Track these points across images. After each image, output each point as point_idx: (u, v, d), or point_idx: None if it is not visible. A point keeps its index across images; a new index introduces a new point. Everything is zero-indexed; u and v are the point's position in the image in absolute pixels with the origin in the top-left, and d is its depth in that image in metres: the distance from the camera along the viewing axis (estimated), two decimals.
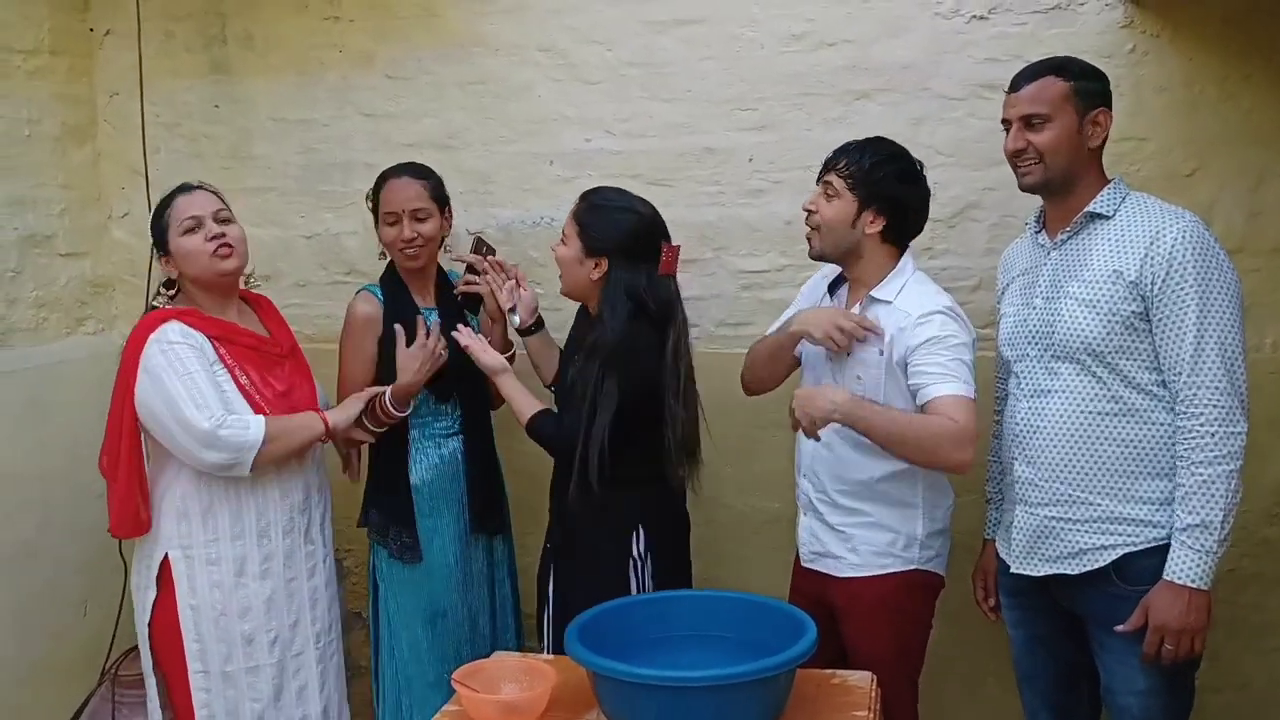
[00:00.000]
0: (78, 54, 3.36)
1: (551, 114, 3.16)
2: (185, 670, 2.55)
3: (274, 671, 2.59)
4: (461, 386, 2.82)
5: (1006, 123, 2.31)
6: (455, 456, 2.86)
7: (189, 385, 2.43)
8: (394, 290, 2.85)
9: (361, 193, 3.26)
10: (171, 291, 2.60)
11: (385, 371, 2.77)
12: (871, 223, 2.42)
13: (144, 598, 2.57)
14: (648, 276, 2.56)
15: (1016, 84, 2.29)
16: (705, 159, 3.07)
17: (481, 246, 2.90)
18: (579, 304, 2.73)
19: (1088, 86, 2.26)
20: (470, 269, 2.88)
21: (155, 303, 2.61)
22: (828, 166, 2.46)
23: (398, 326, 2.74)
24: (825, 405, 2.31)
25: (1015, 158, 2.29)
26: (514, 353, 2.91)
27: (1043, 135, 2.24)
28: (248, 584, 2.55)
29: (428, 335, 2.71)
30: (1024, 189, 2.33)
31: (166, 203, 2.59)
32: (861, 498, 2.45)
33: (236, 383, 2.51)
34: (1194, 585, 2.13)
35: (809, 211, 2.46)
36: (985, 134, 2.85)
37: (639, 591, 2.56)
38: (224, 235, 2.53)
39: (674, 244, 2.62)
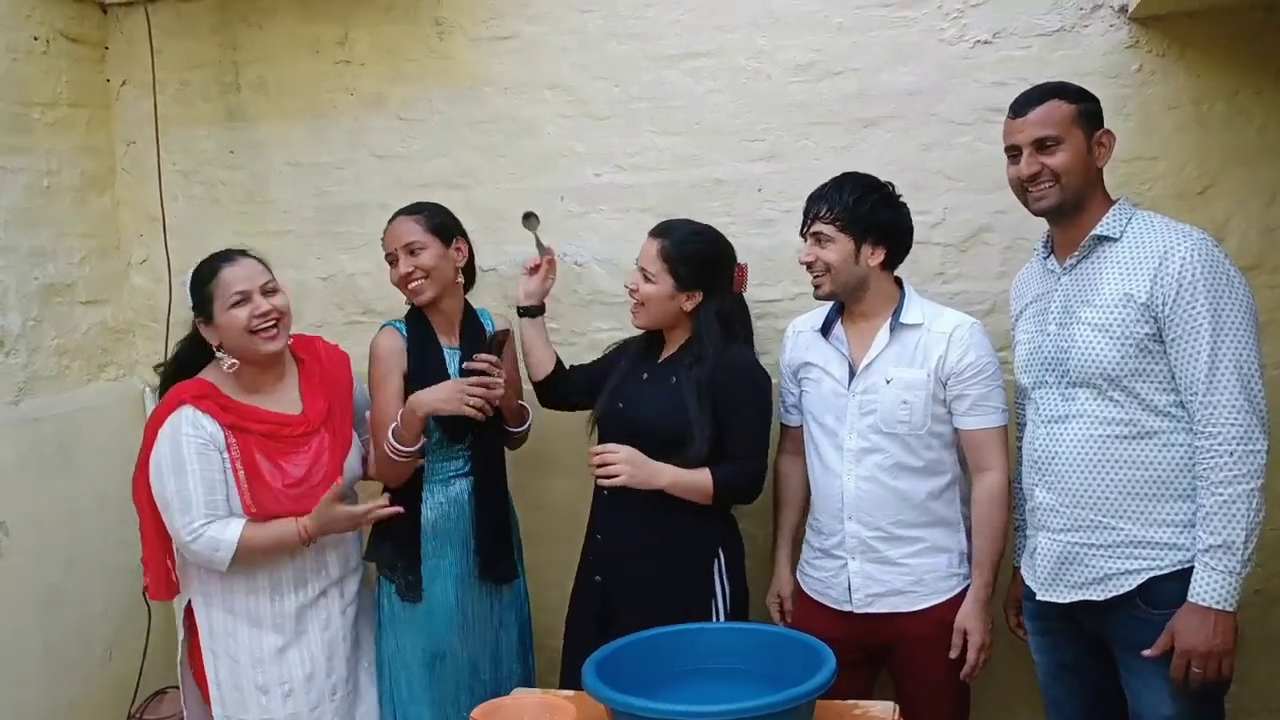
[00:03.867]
0: (96, 105, 3.42)
1: (561, 150, 3.18)
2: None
3: None
4: (476, 428, 2.77)
5: (1014, 149, 2.30)
6: (463, 498, 2.81)
7: (180, 486, 2.48)
8: (418, 328, 2.82)
9: (375, 234, 3.28)
10: (221, 353, 2.56)
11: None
12: (873, 254, 2.48)
13: (181, 639, 2.66)
14: (729, 299, 2.67)
15: (1021, 109, 2.29)
16: (715, 190, 3.09)
17: (493, 343, 2.77)
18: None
19: (1089, 108, 2.28)
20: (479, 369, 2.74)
21: (226, 363, 2.57)
22: (811, 218, 2.51)
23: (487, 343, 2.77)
24: (981, 616, 2.48)
25: (1030, 182, 2.27)
26: (529, 419, 2.95)
27: (1057, 157, 2.24)
28: (261, 636, 2.58)
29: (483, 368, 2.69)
30: (1039, 213, 2.32)
31: (213, 271, 2.55)
32: (917, 524, 2.49)
33: (235, 475, 2.51)
34: (1219, 607, 2.10)
35: (809, 264, 2.51)
36: (994, 158, 2.83)
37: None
38: (270, 311, 2.52)
39: (742, 263, 2.73)
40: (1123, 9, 2.80)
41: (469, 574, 2.82)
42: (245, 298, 2.51)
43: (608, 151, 3.15)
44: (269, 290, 2.55)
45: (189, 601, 2.60)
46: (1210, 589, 2.11)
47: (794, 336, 2.70)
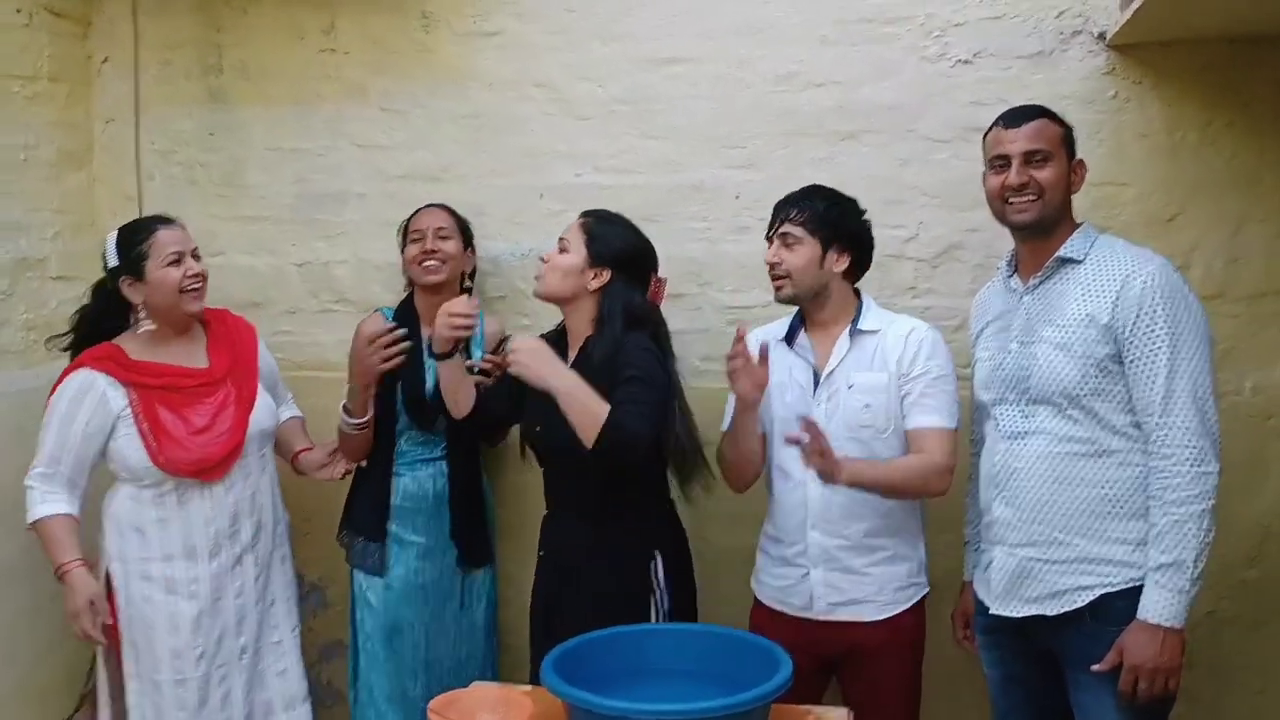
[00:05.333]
0: (75, 81, 3.39)
1: (543, 148, 3.19)
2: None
3: (199, 684, 2.71)
4: (448, 414, 2.82)
5: (1001, 159, 2.31)
6: (432, 482, 2.93)
7: (44, 435, 2.66)
8: (404, 316, 2.94)
9: (354, 222, 3.33)
10: (144, 314, 2.70)
11: (389, 389, 2.86)
12: (838, 261, 2.50)
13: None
14: (640, 297, 2.62)
15: (1014, 121, 2.31)
16: (693, 196, 3.11)
17: (499, 347, 2.94)
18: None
19: (1070, 135, 2.33)
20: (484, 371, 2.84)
21: (142, 325, 2.71)
22: (779, 220, 2.53)
23: (360, 329, 2.82)
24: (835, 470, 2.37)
25: (1015, 193, 2.28)
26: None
27: (1045, 172, 2.27)
28: (177, 602, 2.69)
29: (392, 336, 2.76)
30: (1017, 226, 2.33)
31: (147, 230, 2.71)
32: (881, 532, 2.50)
33: (139, 429, 2.65)
34: (1168, 624, 2.14)
35: (773, 264, 2.52)
36: (970, 176, 2.87)
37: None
38: (200, 273, 2.71)
39: (662, 276, 2.68)
40: (1101, 36, 2.85)
41: (434, 554, 2.92)
42: (179, 258, 2.67)
43: (589, 152, 3.16)
44: (196, 255, 2.73)
45: (105, 569, 2.70)
46: (1159, 607, 2.14)
47: (756, 346, 2.66)
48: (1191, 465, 2.14)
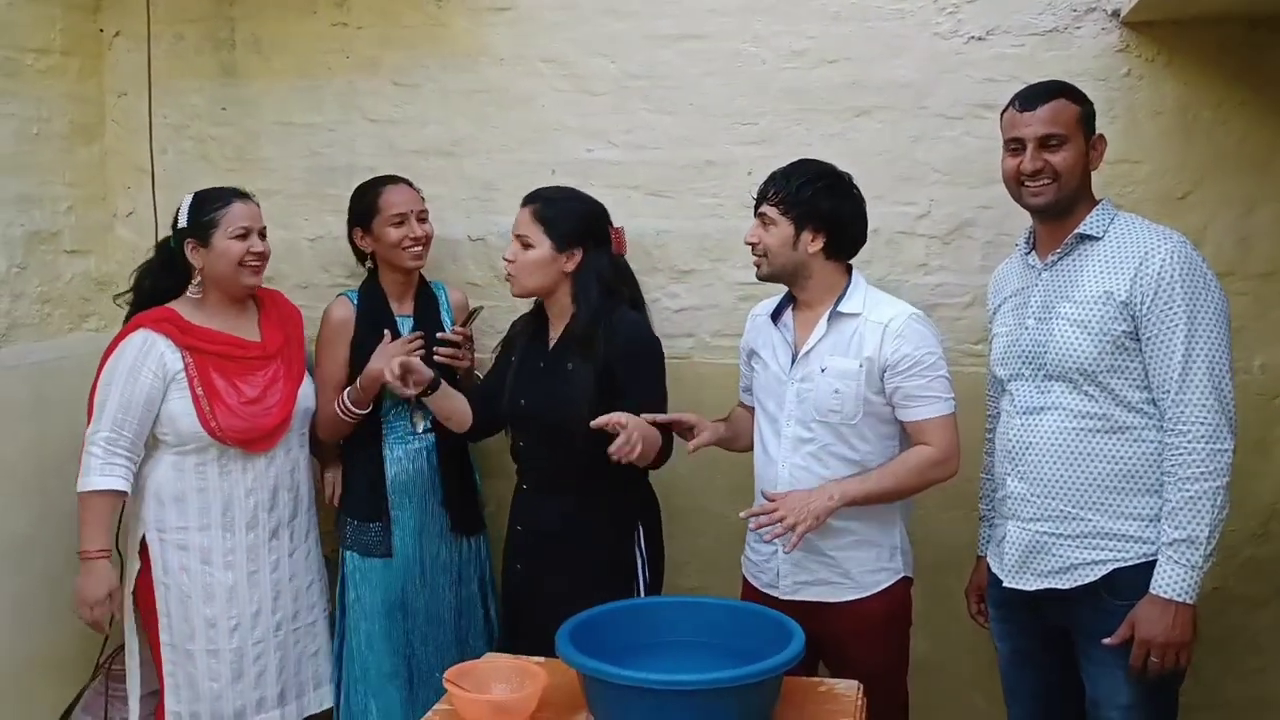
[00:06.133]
0: (88, 54, 3.39)
1: (554, 123, 3.19)
2: (158, 640, 2.75)
3: (233, 656, 2.74)
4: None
5: (1016, 142, 2.30)
6: (423, 455, 2.94)
7: (104, 396, 2.67)
8: (371, 298, 2.96)
9: None
10: (198, 280, 2.74)
11: (356, 374, 2.86)
12: (812, 241, 2.46)
13: (130, 568, 2.79)
14: (610, 259, 2.66)
15: (1029, 103, 2.29)
16: (705, 171, 3.11)
17: (468, 318, 2.99)
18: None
19: (1089, 111, 2.31)
20: (452, 343, 2.90)
21: (192, 289, 2.76)
22: (760, 199, 2.52)
23: (387, 332, 2.86)
24: (822, 501, 2.37)
25: (1030, 177, 2.28)
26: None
27: (1060, 155, 2.26)
28: (213, 572, 2.73)
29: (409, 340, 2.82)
30: (1033, 209, 2.33)
31: (223, 200, 2.74)
32: (849, 515, 2.46)
33: (193, 392, 2.67)
34: (1179, 599, 2.16)
35: (752, 244, 2.51)
36: (982, 153, 2.89)
37: (642, 593, 2.61)
38: (264, 252, 2.76)
39: (619, 225, 2.74)
40: (1115, 13, 2.84)
41: (428, 528, 2.94)
42: (247, 233, 2.72)
43: (600, 127, 3.16)
44: (263, 234, 2.77)
45: (143, 535, 2.74)
46: (1172, 582, 2.16)
47: (751, 320, 2.69)
48: (1206, 442, 2.15)
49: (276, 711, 2.81)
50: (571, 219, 2.62)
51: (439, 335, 2.86)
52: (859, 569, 2.49)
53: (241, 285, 2.74)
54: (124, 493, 2.67)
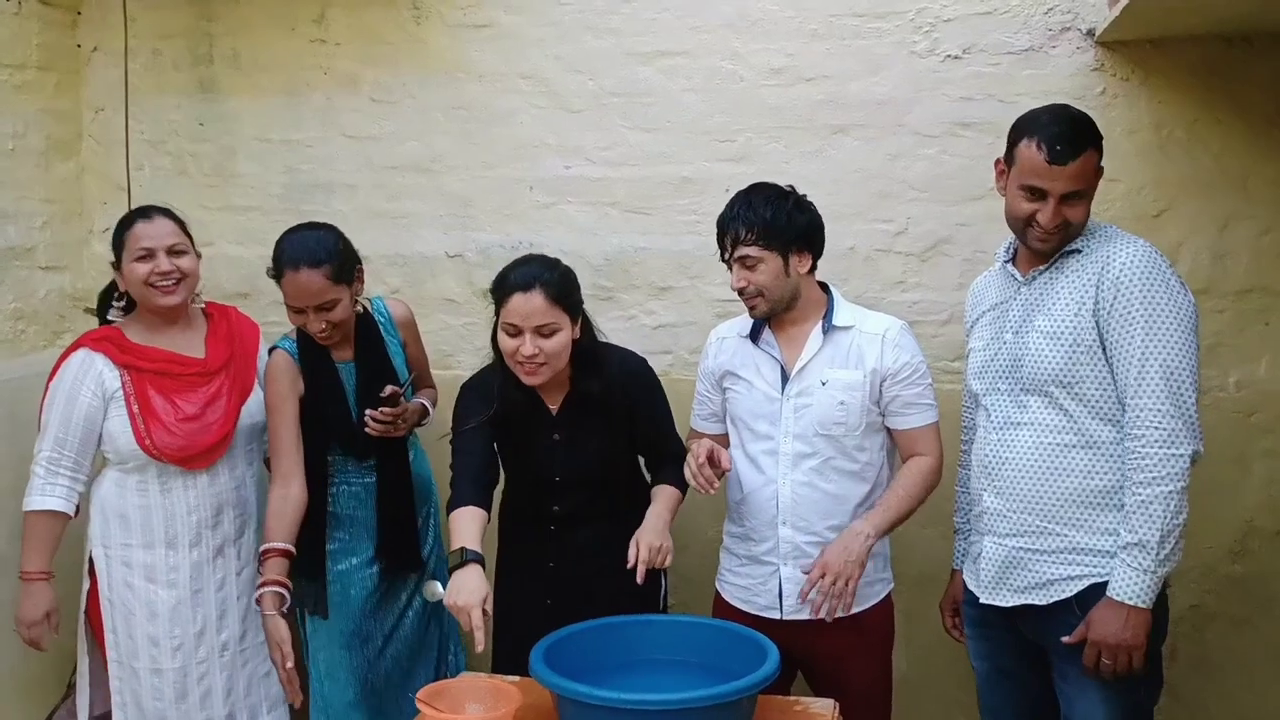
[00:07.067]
0: (65, 70, 3.38)
1: (533, 140, 3.20)
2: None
3: (175, 676, 2.72)
4: (378, 443, 2.79)
5: (1037, 191, 2.20)
6: (370, 490, 2.82)
7: (48, 417, 2.67)
8: (310, 350, 2.76)
9: (343, 213, 3.30)
10: (121, 303, 2.75)
11: (305, 425, 2.74)
12: (800, 262, 2.45)
13: (82, 585, 2.78)
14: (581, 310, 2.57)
15: (1061, 156, 2.17)
16: (684, 188, 3.12)
17: (384, 402, 2.73)
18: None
19: (1102, 152, 2.25)
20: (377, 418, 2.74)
21: (112, 312, 2.77)
22: (730, 244, 2.44)
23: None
24: (860, 544, 2.37)
25: (1048, 227, 2.22)
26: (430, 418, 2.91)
27: (1078, 210, 2.22)
28: (156, 590, 2.72)
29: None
30: (1037, 253, 2.30)
31: (128, 223, 2.70)
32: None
33: (129, 410, 2.66)
34: (1131, 603, 2.15)
35: (741, 289, 2.45)
36: (959, 170, 2.91)
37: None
38: (172, 271, 2.66)
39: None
40: (1090, 32, 2.86)
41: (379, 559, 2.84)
42: (149, 254, 2.65)
43: (578, 144, 3.17)
44: (176, 251, 2.67)
45: (90, 553, 2.74)
46: (1124, 585, 2.16)
47: (717, 343, 2.63)
48: (1160, 446, 2.14)
49: None
50: (571, 288, 2.49)
51: (368, 415, 2.72)
52: (861, 582, 2.46)
53: (157, 305, 2.67)
54: (62, 513, 2.68)
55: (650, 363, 2.67)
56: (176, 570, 2.72)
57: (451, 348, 3.27)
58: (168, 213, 2.73)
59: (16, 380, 3.13)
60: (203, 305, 2.84)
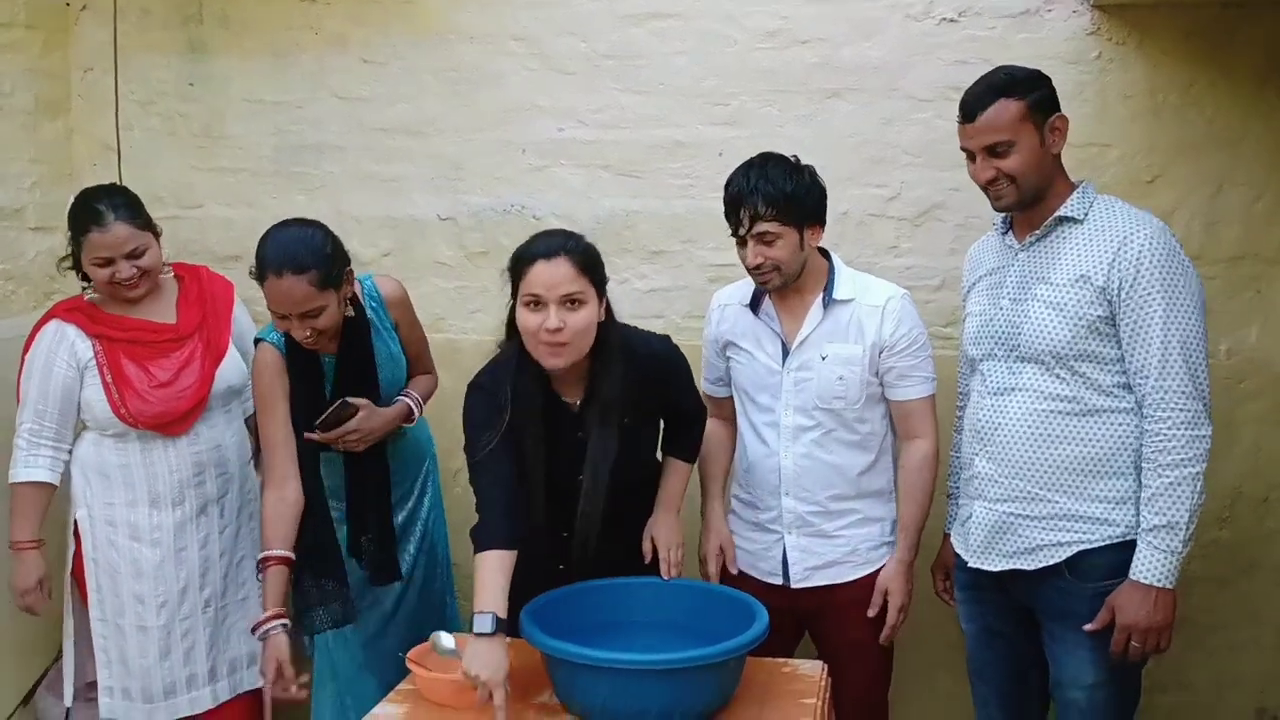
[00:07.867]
0: (53, 29, 3.34)
1: (524, 103, 3.17)
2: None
3: (160, 634, 2.76)
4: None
5: (966, 152, 2.29)
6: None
7: (27, 389, 2.71)
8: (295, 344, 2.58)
9: (333, 176, 3.28)
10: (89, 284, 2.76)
11: (298, 421, 2.60)
12: (814, 236, 2.45)
13: (68, 549, 2.83)
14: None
15: (970, 112, 2.24)
16: (676, 152, 3.10)
17: (329, 421, 2.57)
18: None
19: (1038, 98, 2.23)
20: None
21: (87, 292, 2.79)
22: (748, 220, 2.36)
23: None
24: (906, 578, 2.54)
25: (988, 185, 2.27)
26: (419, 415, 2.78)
27: (1010, 160, 2.22)
28: (140, 549, 2.76)
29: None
30: (1000, 211, 2.33)
31: (83, 228, 2.66)
32: (851, 496, 2.52)
33: (103, 380, 2.69)
34: (1160, 584, 2.17)
35: (758, 265, 2.40)
36: (952, 136, 2.83)
37: None
38: (132, 275, 2.67)
39: None
40: None
41: None
42: (109, 261, 2.66)
43: (571, 107, 3.14)
44: (135, 254, 2.67)
45: (74, 517, 2.78)
46: (1152, 567, 2.17)
47: (719, 310, 2.62)
48: (1185, 428, 2.16)
49: (208, 689, 2.83)
50: (598, 261, 2.26)
51: (305, 435, 2.57)
52: (866, 545, 2.54)
53: (124, 300, 2.72)
54: (47, 484, 2.71)
55: (643, 327, 2.65)
56: (160, 529, 2.76)
57: (443, 311, 3.25)
58: (122, 210, 2.65)
59: (5, 342, 3.11)
60: (170, 268, 2.84)
